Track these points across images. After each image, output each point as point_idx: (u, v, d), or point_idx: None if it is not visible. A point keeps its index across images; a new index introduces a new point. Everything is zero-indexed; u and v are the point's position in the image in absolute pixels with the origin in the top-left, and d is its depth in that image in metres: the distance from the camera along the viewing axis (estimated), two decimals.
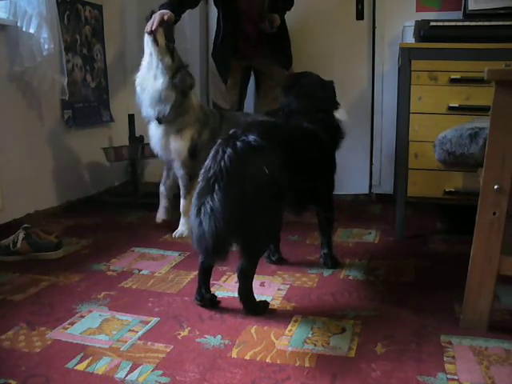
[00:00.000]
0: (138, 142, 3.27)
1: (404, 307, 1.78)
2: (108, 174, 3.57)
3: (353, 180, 3.45)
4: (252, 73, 3.07)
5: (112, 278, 2.06)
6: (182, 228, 2.61)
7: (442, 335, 1.57)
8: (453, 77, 2.41)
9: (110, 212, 3.09)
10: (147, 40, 2.46)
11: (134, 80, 2.54)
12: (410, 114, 2.48)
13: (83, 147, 3.30)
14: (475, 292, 1.57)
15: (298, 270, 2.14)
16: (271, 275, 2.07)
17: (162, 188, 2.72)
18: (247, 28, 2.87)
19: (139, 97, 2.52)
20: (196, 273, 1.83)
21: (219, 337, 1.56)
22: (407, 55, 2.45)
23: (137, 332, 1.59)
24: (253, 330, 1.61)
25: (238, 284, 1.72)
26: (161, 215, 2.73)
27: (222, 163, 1.60)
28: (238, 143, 1.63)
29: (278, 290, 1.93)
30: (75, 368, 1.39)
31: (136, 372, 1.37)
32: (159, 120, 2.49)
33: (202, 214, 1.60)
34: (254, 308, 1.72)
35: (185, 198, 2.56)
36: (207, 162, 1.67)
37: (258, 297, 1.77)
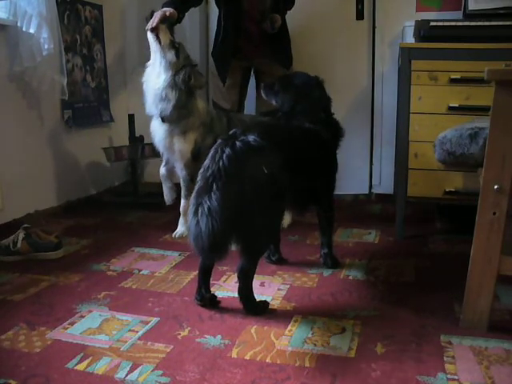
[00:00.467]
0: (138, 142, 3.27)
1: (404, 307, 1.78)
2: (108, 174, 3.57)
3: (353, 180, 3.46)
4: (252, 73, 3.06)
5: (112, 277, 2.06)
6: (181, 228, 2.61)
7: (441, 335, 1.57)
8: (453, 77, 2.41)
9: (110, 212, 3.09)
10: (149, 37, 2.46)
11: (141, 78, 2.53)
12: (410, 114, 2.48)
13: (83, 147, 3.30)
14: (475, 292, 1.57)
15: (297, 270, 2.14)
16: (271, 275, 2.07)
17: (162, 170, 2.67)
18: (248, 28, 2.87)
19: (144, 94, 2.51)
20: (196, 273, 1.83)
21: (219, 337, 1.56)
22: (407, 55, 2.45)
23: (137, 332, 1.59)
24: (253, 330, 1.61)
25: (238, 284, 1.72)
26: (169, 197, 2.69)
27: (221, 163, 1.60)
28: (238, 143, 1.63)
29: (278, 290, 1.93)
30: (75, 368, 1.39)
31: (136, 372, 1.37)
32: (162, 118, 2.48)
33: (200, 214, 1.59)
34: (254, 308, 1.72)
35: (185, 198, 2.56)
36: (206, 162, 1.67)
37: (258, 297, 1.77)
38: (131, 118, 3.28)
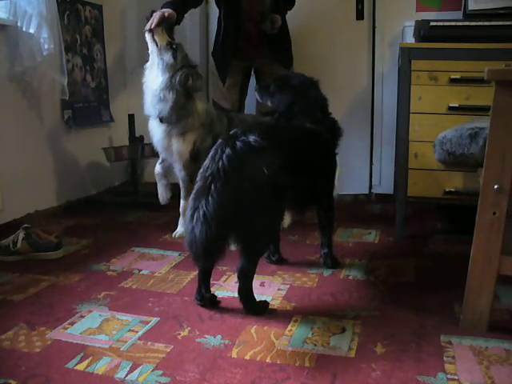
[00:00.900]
0: (138, 142, 3.27)
1: (404, 307, 1.78)
2: (108, 174, 3.57)
3: (353, 180, 3.46)
4: (252, 73, 3.06)
5: (112, 277, 2.06)
6: (181, 228, 2.60)
7: (441, 335, 1.57)
8: (453, 77, 2.41)
9: (110, 212, 3.09)
10: (147, 39, 2.46)
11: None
12: (410, 114, 2.48)
13: (83, 147, 3.30)
14: (475, 292, 1.57)
15: (297, 270, 2.14)
16: (271, 275, 2.07)
17: (158, 168, 2.64)
18: (248, 28, 2.87)
19: (144, 94, 2.51)
20: (196, 273, 1.83)
21: (219, 337, 1.56)
22: (407, 55, 2.45)
23: (137, 332, 1.59)
24: (253, 330, 1.61)
25: (238, 284, 1.72)
26: (164, 196, 2.66)
27: (220, 163, 1.60)
28: (238, 143, 1.63)
29: (278, 290, 1.93)
30: (75, 368, 1.39)
31: (136, 372, 1.37)
32: (160, 119, 2.48)
33: (195, 220, 1.60)
34: (254, 308, 1.72)
35: (184, 199, 2.55)
36: (206, 162, 1.67)
37: (258, 297, 1.77)
38: (131, 118, 3.28)
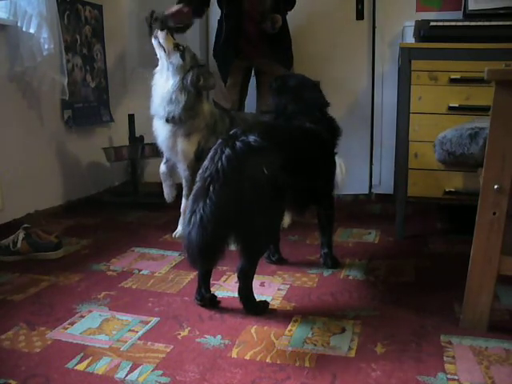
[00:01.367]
0: (138, 142, 3.27)
1: (404, 307, 1.78)
2: (108, 174, 3.57)
3: (353, 180, 3.45)
4: (253, 72, 3.07)
5: (112, 277, 2.06)
6: (181, 228, 2.60)
7: (441, 335, 1.57)
8: (453, 77, 2.41)
9: (110, 212, 3.09)
10: (154, 44, 2.47)
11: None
12: (410, 114, 2.48)
13: (83, 147, 3.31)
14: (475, 292, 1.57)
15: (297, 270, 2.14)
16: (271, 275, 2.07)
17: (163, 168, 2.64)
18: (249, 28, 2.87)
19: (152, 96, 2.51)
20: (196, 273, 1.83)
21: (219, 337, 1.56)
22: (407, 55, 2.45)
23: (137, 332, 1.59)
24: (253, 330, 1.61)
25: (238, 284, 1.72)
26: (169, 195, 2.67)
27: (219, 163, 1.60)
28: (238, 143, 1.63)
29: (278, 290, 1.93)
30: (75, 368, 1.39)
31: (136, 372, 1.37)
32: (167, 119, 2.48)
33: (192, 224, 1.60)
34: (254, 308, 1.72)
35: (186, 198, 2.55)
36: (205, 162, 1.67)
37: (258, 297, 1.77)
38: (131, 118, 3.28)
